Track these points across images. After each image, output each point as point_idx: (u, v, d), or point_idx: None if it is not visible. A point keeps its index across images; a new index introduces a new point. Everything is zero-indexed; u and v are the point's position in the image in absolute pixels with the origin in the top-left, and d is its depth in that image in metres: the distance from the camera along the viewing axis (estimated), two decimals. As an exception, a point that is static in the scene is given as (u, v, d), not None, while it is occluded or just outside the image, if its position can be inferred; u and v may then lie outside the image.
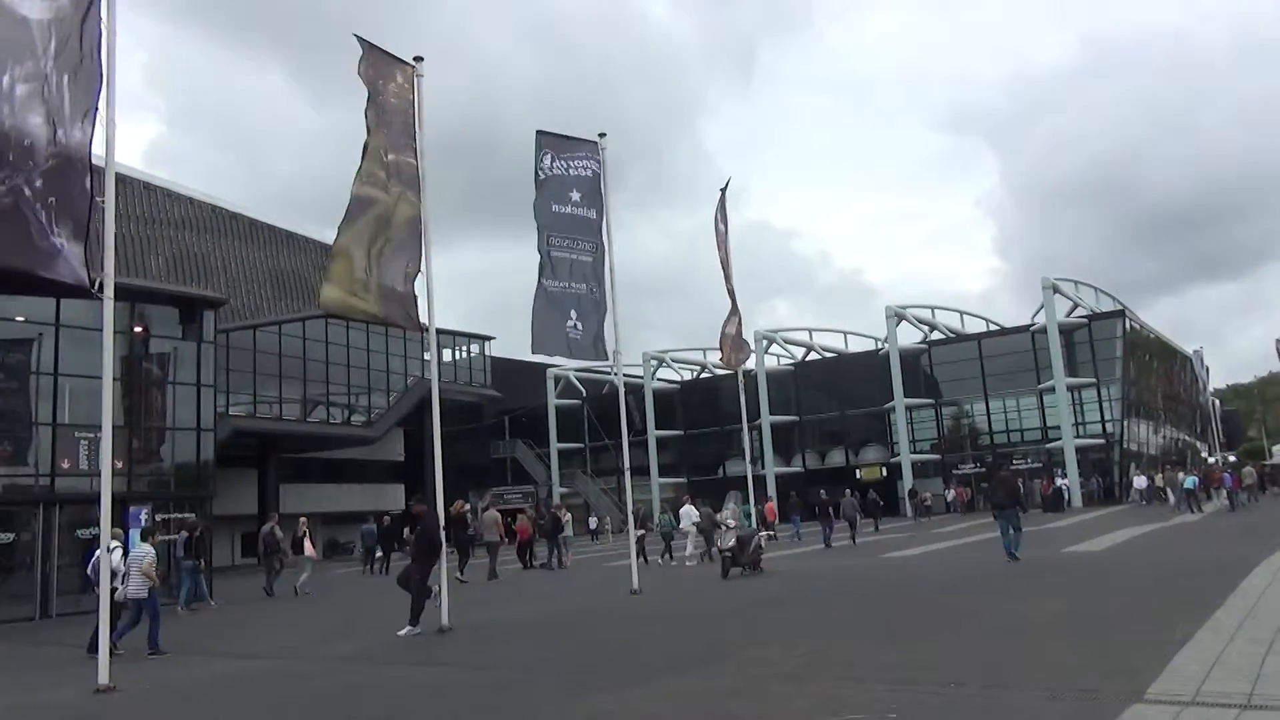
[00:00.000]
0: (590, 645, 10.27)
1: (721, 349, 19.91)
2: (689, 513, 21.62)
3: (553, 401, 61.02)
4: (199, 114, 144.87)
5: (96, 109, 9.53)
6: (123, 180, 46.45)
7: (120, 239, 44.74)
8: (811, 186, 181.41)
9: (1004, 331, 50.29)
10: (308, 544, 21.43)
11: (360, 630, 12.95)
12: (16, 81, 9.09)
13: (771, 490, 49.57)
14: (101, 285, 9.29)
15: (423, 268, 12.75)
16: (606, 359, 15.89)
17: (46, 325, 19.47)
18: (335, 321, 46.59)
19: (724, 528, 17.25)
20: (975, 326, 52.56)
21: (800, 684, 7.03)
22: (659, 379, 60.32)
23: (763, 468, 53.21)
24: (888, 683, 6.83)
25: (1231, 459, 52.75)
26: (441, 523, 12.47)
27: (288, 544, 21.49)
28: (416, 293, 12.77)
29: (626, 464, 17.69)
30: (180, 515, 20.25)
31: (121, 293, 22.17)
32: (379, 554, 28.54)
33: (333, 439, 44.94)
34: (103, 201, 9.45)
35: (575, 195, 15.55)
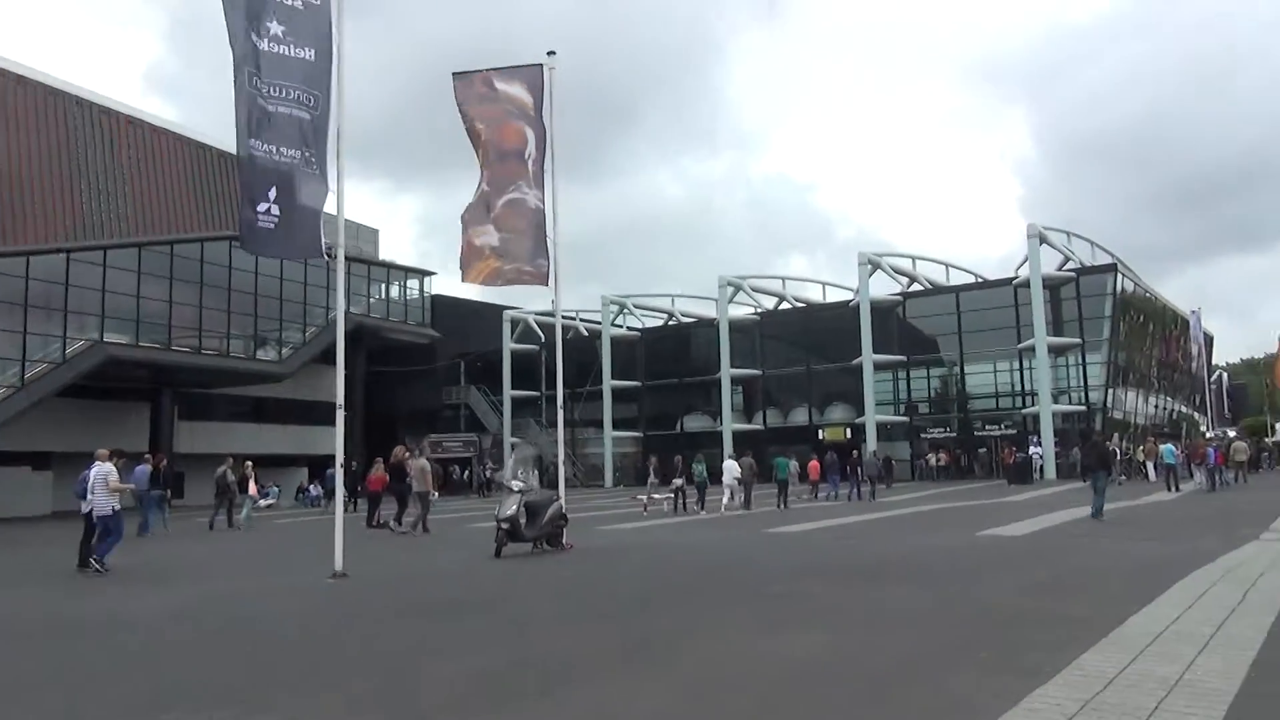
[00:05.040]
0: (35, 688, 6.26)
1: (463, 252, 13.57)
2: (730, 466, 24.27)
3: (508, 346, 56.82)
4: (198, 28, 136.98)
5: None
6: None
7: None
8: (834, 138, 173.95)
9: (985, 284, 45.65)
10: (251, 485, 24.03)
11: None
12: None
13: (729, 448, 45.36)
14: None
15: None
16: (322, 258, 11.69)
17: None
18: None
19: (508, 490, 13.00)
20: (963, 282, 47.83)
21: None
22: (622, 326, 55.52)
23: (721, 424, 49.15)
24: None
25: (1231, 434, 47.99)
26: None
27: (236, 486, 23.33)
28: None
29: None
30: None
31: None
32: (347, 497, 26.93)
33: (236, 374, 40.87)
34: None
35: (277, 28, 11.11)
